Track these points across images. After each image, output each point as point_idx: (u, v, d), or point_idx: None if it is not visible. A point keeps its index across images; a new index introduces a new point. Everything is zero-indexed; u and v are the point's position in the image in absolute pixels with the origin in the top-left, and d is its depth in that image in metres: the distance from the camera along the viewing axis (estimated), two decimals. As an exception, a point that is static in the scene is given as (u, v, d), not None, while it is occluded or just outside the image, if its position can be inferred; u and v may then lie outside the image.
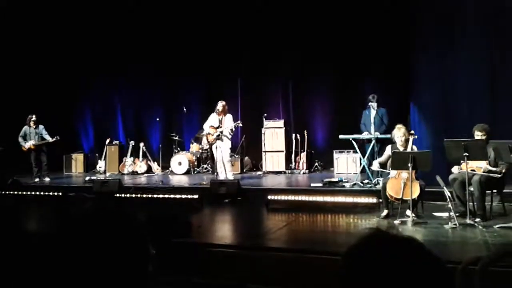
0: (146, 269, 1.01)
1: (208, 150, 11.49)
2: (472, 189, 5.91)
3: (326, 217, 6.92)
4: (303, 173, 10.79)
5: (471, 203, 5.93)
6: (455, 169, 6.17)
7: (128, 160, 11.95)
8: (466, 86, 7.86)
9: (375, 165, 6.72)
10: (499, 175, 5.84)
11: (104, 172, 12.08)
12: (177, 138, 11.95)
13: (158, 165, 11.95)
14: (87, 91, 13.68)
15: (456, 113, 7.85)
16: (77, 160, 12.92)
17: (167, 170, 11.65)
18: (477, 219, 5.77)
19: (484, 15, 7.77)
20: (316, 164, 11.23)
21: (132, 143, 12.02)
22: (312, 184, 8.55)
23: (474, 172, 5.88)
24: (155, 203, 8.15)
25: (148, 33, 12.33)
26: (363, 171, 8.78)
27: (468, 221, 5.67)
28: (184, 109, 12.00)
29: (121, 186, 8.92)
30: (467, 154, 5.73)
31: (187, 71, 12.40)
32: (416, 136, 6.69)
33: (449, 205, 5.72)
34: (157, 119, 12.42)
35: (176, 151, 11.75)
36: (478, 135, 6.07)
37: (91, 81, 13.44)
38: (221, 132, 9.06)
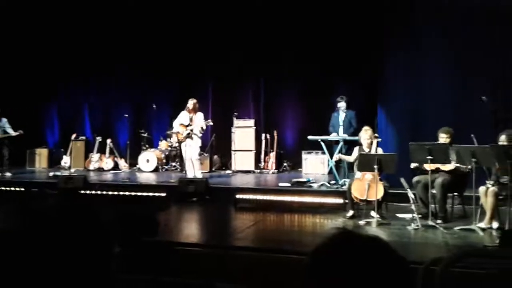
0: (109, 267, 1.00)
1: (177, 147, 11.39)
2: (434, 191, 6.10)
3: (293, 217, 6.99)
4: (272, 172, 10.86)
5: (433, 205, 6.11)
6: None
7: (94, 156, 11.72)
8: (432, 89, 8.09)
9: (343, 156, 6.82)
10: (466, 171, 6.03)
11: (69, 168, 11.80)
12: (145, 135, 11.80)
13: (126, 162, 11.76)
14: (54, 85, 13.32)
15: (422, 116, 8.06)
16: (41, 155, 12.57)
17: (135, 167, 11.49)
18: (439, 221, 5.96)
19: (451, 17, 8.02)
20: (285, 164, 11.32)
21: (99, 139, 11.79)
22: (280, 184, 8.61)
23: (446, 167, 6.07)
24: (121, 200, 8.03)
25: (118, 31, 12.11)
26: (330, 172, 8.91)
27: (430, 222, 5.84)
28: (154, 106, 11.86)
29: (86, 182, 8.74)
30: (431, 157, 5.91)
31: (157, 68, 12.24)
32: (380, 139, 6.85)
33: (412, 207, 5.88)
34: (126, 115, 12.22)
35: (145, 148, 11.61)
36: (443, 137, 6.26)
37: (59, 75, 13.09)
38: (191, 130, 9.00)
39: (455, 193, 6.37)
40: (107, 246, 1.00)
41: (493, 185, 5.69)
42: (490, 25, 7.88)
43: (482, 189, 5.72)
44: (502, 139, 5.75)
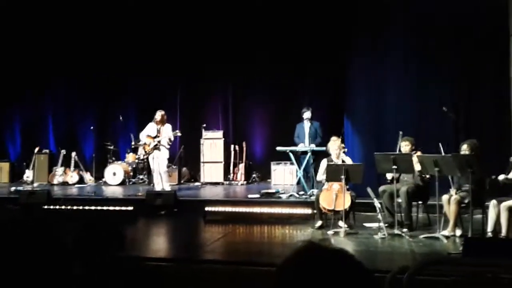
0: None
1: (145, 160, 11.23)
2: (400, 200, 6.23)
3: (262, 228, 6.99)
4: (241, 184, 10.84)
5: (399, 214, 6.24)
6: None
7: (59, 170, 11.41)
8: (395, 101, 8.33)
9: (320, 177, 6.88)
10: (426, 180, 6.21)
11: (32, 182, 11.41)
12: (112, 147, 11.58)
13: (91, 175, 11.49)
14: (16, 97, 12.92)
15: (385, 126, 8.27)
16: (2, 169, 12.13)
17: (101, 181, 11.24)
18: (404, 229, 6.08)
19: (412, 30, 8.30)
20: (254, 175, 11.33)
21: (63, 152, 11.48)
22: (250, 195, 8.60)
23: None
24: (86, 215, 7.82)
25: (83, 40, 11.90)
26: (299, 182, 8.98)
27: (396, 231, 5.96)
28: (120, 118, 11.68)
29: (50, 197, 8.48)
30: (396, 167, 6.05)
31: (123, 79, 12.09)
32: (346, 150, 6.98)
33: (379, 216, 5.98)
34: (91, 127, 11.97)
35: (111, 161, 11.38)
36: (404, 147, 6.43)
37: (22, 87, 12.71)
38: (159, 142, 8.90)
39: (419, 202, 6.52)
40: (65, 265, 0.96)
41: (455, 193, 5.86)
42: (451, 37, 8.20)
43: (445, 197, 5.88)
44: (464, 148, 5.95)
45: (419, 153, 6.29)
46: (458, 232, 5.82)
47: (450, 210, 5.78)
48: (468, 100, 8.18)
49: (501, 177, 5.58)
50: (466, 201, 5.72)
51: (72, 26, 11.86)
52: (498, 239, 5.20)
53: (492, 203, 5.48)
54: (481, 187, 5.77)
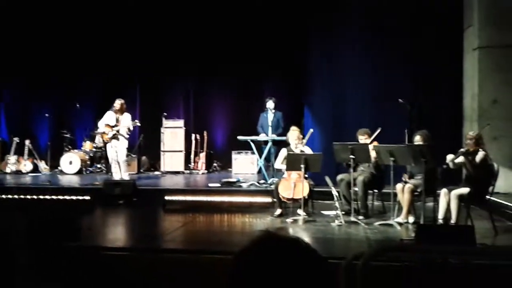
0: (12, 280, 0.94)
1: (102, 149, 10.99)
2: (356, 189, 6.41)
3: (223, 217, 7.01)
4: (202, 173, 10.81)
5: (355, 202, 6.42)
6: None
7: (11, 158, 10.98)
8: (353, 92, 8.52)
9: (278, 165, 6.96)
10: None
11: (-17, 171, 10.96)
12: (68, 135, 11.25)
13: (46, 164, 11.14)
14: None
15: (343, 117, 8.46)
16: (-50, 158, 11.56)
17: (56, 170, 10.92)
18: (360, 217, 6.26)
19: (369, 23, 8.49)
20: (215, 164, 11.31)
21: (16, 139, 11.05)
22: (210, 184, 8.60)
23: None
24: (41, 204, 7.59)
25: (39, 26, 11.41)
26: (260, 171, 9.05)
27: (352, 218, 6.13)
28: (78, 106, 11.34)
29: (1, 186, 8.17)
30: (353, 157, 6.21)
31: (81, 66, 11.71)
32: (304, 140, 7.10)
33: (336, 204, 6.14)
34: (46, 114, 11.56)
35: (67, 149, 11.05)
36: (362, 139, 6.61)
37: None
38: (117, 131, 8.72)
39: (375, 190, 6.73)
40: (8, 255, 0.94)
41: (407, 182, 6.08)
42: (407, 31, 8.44)
43: (399, 186, 6.09)
44: (417, 139, 6.17)
45: (375, 143, 6.47)
46: (411, 219, 6.05)
47: (404, 198, 6.00)
48: (423, 92, 8.47)
49: (449, 157, 5.77)
50: (419, 189, 5.94)
51: (27, 11, 11.35)
52: (448, 226, 5.44)
53: (443, 191, 5.72)
54: (433, 176, 6.01)
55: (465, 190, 5.56)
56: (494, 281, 4.00)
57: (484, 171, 5.65)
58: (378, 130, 6.57)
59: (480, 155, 5.59)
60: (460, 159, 5.68)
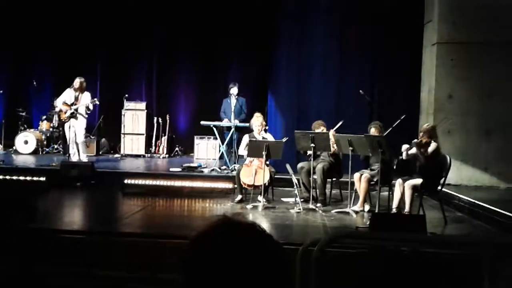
0: None
1: (60, 129, 10.67)
2: (315, 177, 6.54)
3: (183, 202, 7.00)
4: (163, 157, 10.70)
5: (314, 190, 6.55)
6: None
7: (-38, 136, 10.50)
8: (315, 83, 8.63)
9: (241, 151, 6.99)
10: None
11: None
12: (24, 114, 10.84)
13: (0, 143, 10.72)
14: None
15: (305, 107, 8.57)
16: None
17: (11, 149, 10.53)
18: (318, 204, 6.41)
19: (334, 17, 8.61)
20: (177, 149, 11.21)
21: (-33, 116, 10.58)
22: (171, 169, 8.54)
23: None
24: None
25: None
26: (221, 157, 9.05)
27: (311, 206, 6.26)
28: (34, 83, 10.92)
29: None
30: (314, 145, 6.31)
31: (38, 41, 11.25)
32: (267, 127, 7.17)
33: (296, 191, 6.25)
34: (0, 91, 11.08)
35: (22, 128, 10.67)
36: (320, 129, 6.73)
37: None
38: (76, 110, 8.48)
39: (333, 179, 6.88)
40: None
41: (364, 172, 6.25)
42: (368, 24, 8.60)
43: (356, 175, 6.26)
44: (372, 131, 6.35)
45: (333, 131, 6.59)
46: (367, 208, 6.25)
47: (361, 187, 6.17)
48: (383, 84, 8.68)
49: (404, 146, 5.96)
50: (375, 179, 6.12)
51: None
52: (401, 215, 5.65)
53: (398, 181, 5.92)
54: (389, 167, 6.21)
55: (418, 181, 5.77)
56: (441, 268, 4.20)
57: (436, 163, 5.87)
58: (340, 122, 6.70)
59: (432, 146, 5.82)
60: (413, 150, 5.89)
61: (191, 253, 1.05)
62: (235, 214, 1.10)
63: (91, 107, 8.67)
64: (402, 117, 6.34)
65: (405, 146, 5.93)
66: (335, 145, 6.46)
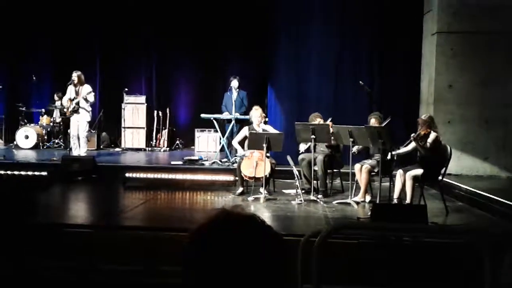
0: None
1: (61, 123, 10.69)
2: (316, 168, 6.54)
3: (184, 195, 7.02)
4: (164, 150, 10.71)
5: (315, 181, 6.56)
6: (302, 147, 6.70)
7: (-37, 131, 10.52)
8: (316, 72, 8.62)
9: (235, 144, 7.02)
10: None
11: None
12: (24, 109, 10.85)
13: (1, 138, 10.73)
14: None
15: (306, 97, 8.57)
16: None
17: (11, 144, 10.55)
18: (320, 196, 6.42)
19: (335, 3, 8.59)
20: (177, 142, 11.22)
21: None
22: (172, 162, 8.55)
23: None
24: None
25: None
26: (222, 150, 9.06)
27: (312, 197, 6.27)
28: (34, 78, 10.91)
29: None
30: (314, 137, 6.31)
31: (37, 36, 11.23)
32: (267, 119, 7.17)
33: (297, 183, 6.26)
34: (0, 86, 11.07)
35: (23, 123, 10.68)
36: (317, 121, 6.73)
37: None
38: (77, 103, 8.47)
39: (335, 170, 6.89)
40: None
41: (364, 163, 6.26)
42: (368, 14, 8.59)
43: (357, 166, 6.26)
44: (372, 122, 6.35)
45: (329, 122, 6.60)
46: (368, 198, 6.26)
47: (361, 178, 6.18)
48: (383, 75, 8.65)
49: (401, 150, 6.06)
50: (376, 170, 6.13)
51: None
52: (402, 205, 5.66)
53: (399, 172, 5.92)
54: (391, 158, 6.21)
55: (419, 171, 5.77)
56: (442, 258, 4.22)
57: (437, 153, 5.87)
58: (389, 119, 6.62)
59: (431, 137, 5.82)
60: (412, 144, 5.89)
61: (191, 246, 1.05)
62: (234, 207, 1.10)
63: (90, 99, 8.58)
64: (388, 120, 6.34)
65: (402, 150, 6.02)
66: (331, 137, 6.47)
